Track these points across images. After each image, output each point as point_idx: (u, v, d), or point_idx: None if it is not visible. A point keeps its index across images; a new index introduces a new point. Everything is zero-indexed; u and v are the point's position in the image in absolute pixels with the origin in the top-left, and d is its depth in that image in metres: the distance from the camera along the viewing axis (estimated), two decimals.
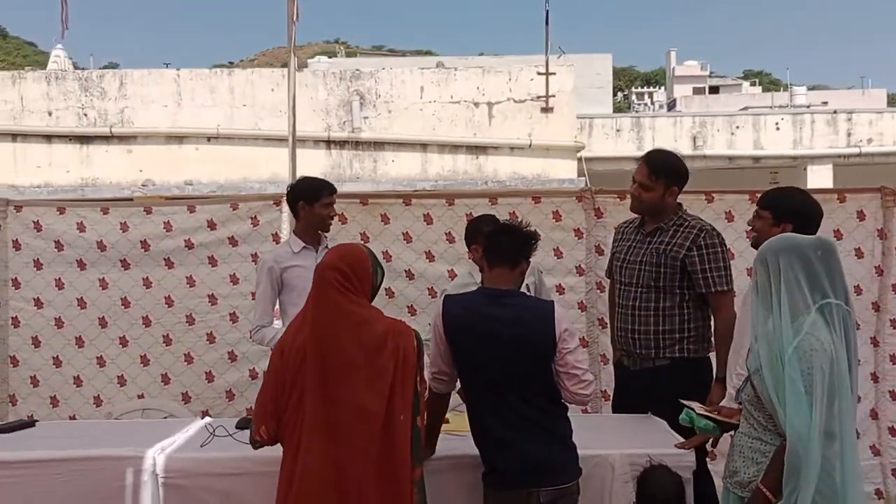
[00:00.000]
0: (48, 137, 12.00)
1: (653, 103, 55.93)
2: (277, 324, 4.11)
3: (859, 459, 2.62)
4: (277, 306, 4.14)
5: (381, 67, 12.90)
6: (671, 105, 40.19)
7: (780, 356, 2.59)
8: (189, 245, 4.93)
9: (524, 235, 3.11)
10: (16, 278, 4.92)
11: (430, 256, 4.98)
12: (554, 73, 12.56)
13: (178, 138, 12.15)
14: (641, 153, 4.52)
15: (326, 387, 2.76)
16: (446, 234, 4.97)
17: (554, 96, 12.57)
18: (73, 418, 4.82)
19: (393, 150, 12.49)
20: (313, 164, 12.30)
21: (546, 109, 12.61)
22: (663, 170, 3.78)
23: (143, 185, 11.91)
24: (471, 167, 12.66)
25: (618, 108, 49.52)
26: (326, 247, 4.38)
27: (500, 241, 3.07)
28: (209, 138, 12.19)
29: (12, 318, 4.91)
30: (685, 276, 3.73)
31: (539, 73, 12.56)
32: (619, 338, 3.94)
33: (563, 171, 12.65)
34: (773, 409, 2.61)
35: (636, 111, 43.72)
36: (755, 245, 3.48)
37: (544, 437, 2.96)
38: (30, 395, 4.90)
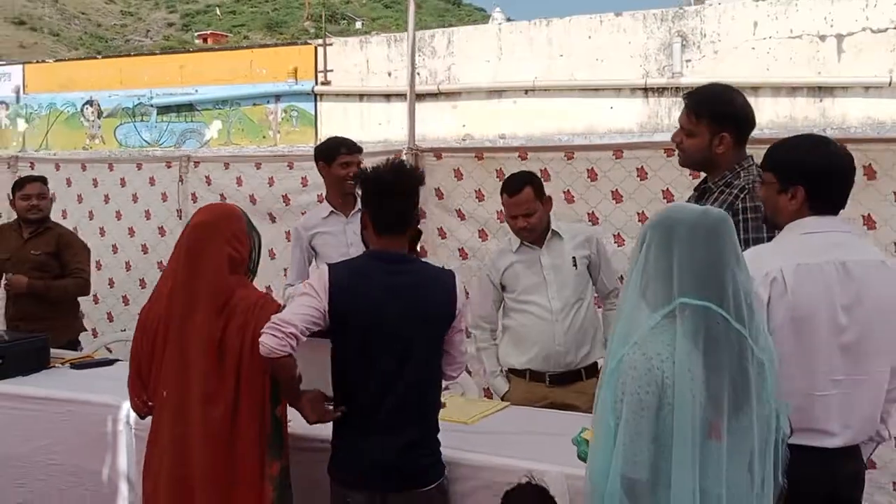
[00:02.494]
0: (387, 97, 13.02)
1: None
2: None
3: None
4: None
5: (707, 4, 11.60)
6: None
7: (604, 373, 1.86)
8: (321, 199, 4.99)
9: (414, 188, 2.65)
10: None
11: None
12: None
13: (498, 92, 12.33)
14: None
15: (177, 362, 2.61)
16: (564, 192, 4.35)
17: None
18: None
19: None
20: (628, 113, 11.64)
21: None
22: (707, 110, 2.86)
23: (463, 140, 12.33)
24: (812, 111, 10.86)
25: None
26: (360, 210, 4.13)
27: (392, 207, 2.60)
28: (526, 91, 12.17)
29: None
30: None
31: None
32: None
33: None
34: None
35: None
36: (765, 222, 2.51)
37: (407, 432, 2.53)
38: None
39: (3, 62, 17.06)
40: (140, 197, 5.57)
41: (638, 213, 4.16)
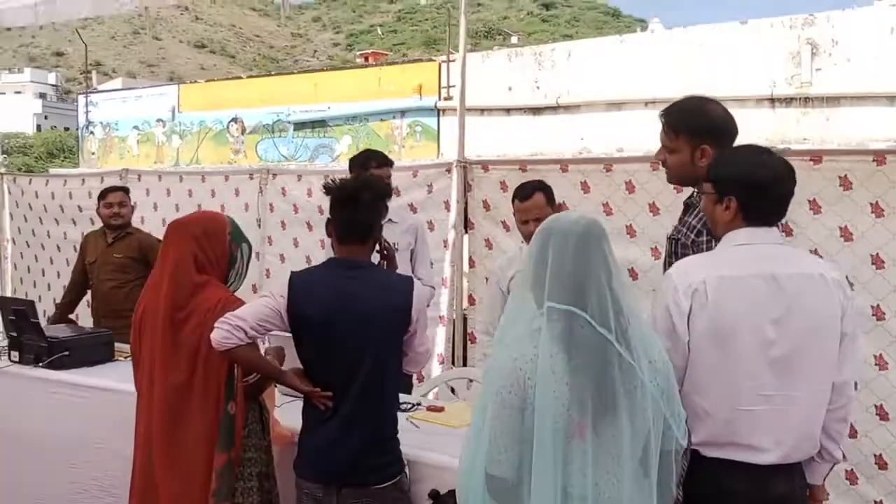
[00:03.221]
0: (507, 110, 13.14)
1: None
2: None
3: None
4: None
5: (840, 10, 10.95)
6: None
7: None
8: None
9: (374, 198, 2.71)
10: (269, 237, 5.79)
11: None
12: None
13: (617, 105, 12.18)
14: None
15: (148, 356, 2.84)
16: (603, 204, 4.32)
17: None
18: None
19: (850, 105, 10.59)
20: (754, 125, 11.14)
21: None
22: (684, 125, 2.79)
23: (580, 153, 12.25)
24: None
25: None
26: (389, 220, 4.25)
27: (348, 218, 2.72)
28: (646, 103, 11.93)
29: (266, 270, 5.81)
30: None
31: None
32: None
33: None
34: None
35: None
36: (710, 233, 2.47)
37: (363, 430, 2.63)
38: None
39: (164, 83, 18.54)
40: (227, 207, 5.97)
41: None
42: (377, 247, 2.92)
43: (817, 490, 2.36)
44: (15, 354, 4.14)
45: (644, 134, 11.49)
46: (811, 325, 2.15)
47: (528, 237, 3.63)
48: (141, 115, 16.55)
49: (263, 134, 15.26)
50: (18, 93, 56.09)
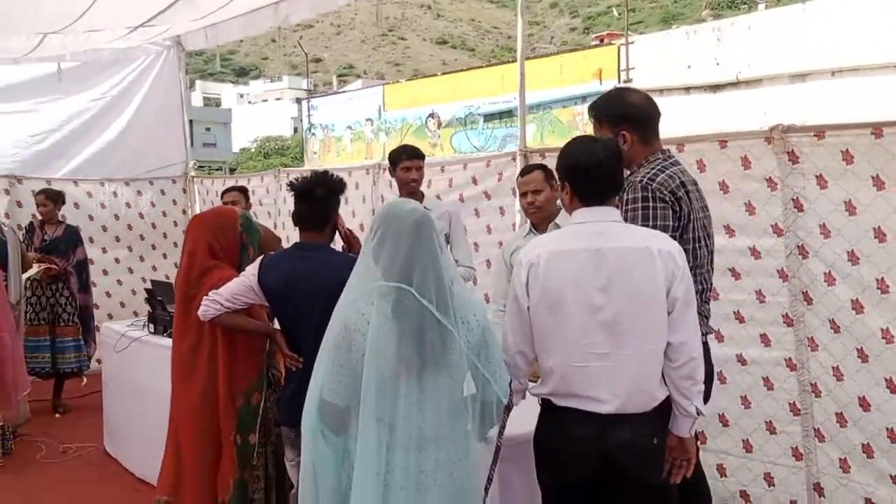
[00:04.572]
0: (687, 89, 12.86)
1: None
2: None
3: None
4: None
5: None
6: None
7: None
8: (461, 198, 5.63)
9: (326, 194, 3.16)
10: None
11: None
12: None
13: (801, 76, 11.53)
14: None
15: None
16: None
17: None
18: None
19: None
20: None
21: None
22: (604, 114, 3.01)
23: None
24: None
25: None
26: (424, 207, 4.67)
27: (305, 210, 3.19)
28: (833, 73, 11.22)
29: None
30: None
31: None
32: None
33: None
34: None
35: None
36: None
37: None
38: None
39: (372, 84, 19.97)
40: (350, 199, 6.67)
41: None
42: (339, 232, 3.37)
43: (686, 442, 2.56)
44: (152, 327, 5.09)
45: (830, 106, 10.91)
46: (635, 292, 2.38)
47: (527, 209, 3.97)
48: (353, 115, 18.01)
49: (457, 127, 16.08)
50: (279, 99, 62.04)
